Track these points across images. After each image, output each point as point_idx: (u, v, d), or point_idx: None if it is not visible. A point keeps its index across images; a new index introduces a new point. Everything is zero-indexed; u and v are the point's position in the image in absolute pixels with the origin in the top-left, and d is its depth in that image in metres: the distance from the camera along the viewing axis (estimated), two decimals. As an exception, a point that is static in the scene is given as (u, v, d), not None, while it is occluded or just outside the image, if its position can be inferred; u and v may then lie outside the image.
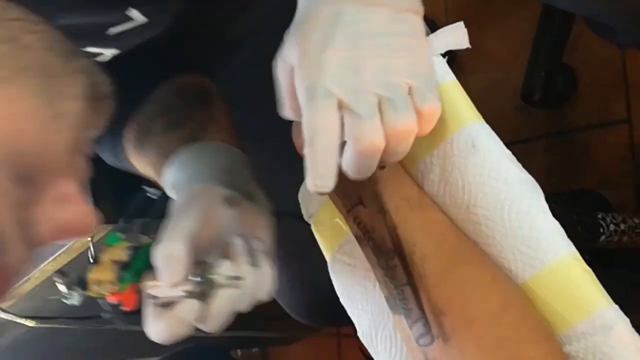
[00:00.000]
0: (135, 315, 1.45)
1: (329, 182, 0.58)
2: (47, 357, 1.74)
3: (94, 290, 0.68)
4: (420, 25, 0.63)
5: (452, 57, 1.67)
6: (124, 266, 0.68)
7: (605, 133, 1.58)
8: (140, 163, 0.87)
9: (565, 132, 1.64)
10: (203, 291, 0.64)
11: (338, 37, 0.59)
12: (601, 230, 1.12)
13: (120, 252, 0.69)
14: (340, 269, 0.73)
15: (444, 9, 1.79)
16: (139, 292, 0.68)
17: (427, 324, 0.58)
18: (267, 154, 0.98)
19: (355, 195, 0.64)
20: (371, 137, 0.57)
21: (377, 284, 0.66)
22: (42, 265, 1.09)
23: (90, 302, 1.38)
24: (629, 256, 1.49)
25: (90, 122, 0.54)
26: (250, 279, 0.65)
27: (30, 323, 1.28)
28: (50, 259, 1.07)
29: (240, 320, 1.92)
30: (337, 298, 0.75)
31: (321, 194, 0.59)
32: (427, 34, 0.66)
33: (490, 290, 0.58)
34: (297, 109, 0.61)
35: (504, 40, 1.69)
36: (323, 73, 0.58)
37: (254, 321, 1.78)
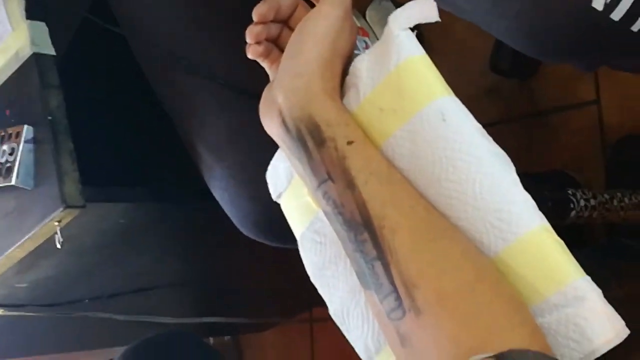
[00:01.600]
0: (106, 303, 1.44)
1: None
2: (16, 346, 1.72)
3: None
4: None
5: (421, 40, 1.66)
6: None
7: (574, 115, 1.59)
8: None
9: (534, 114, 1.65)
10: None
11: None
12: (571, 206, 1.13)
13: None
14: (311, 247, 0.73)
15: (413, -8, 1.78)
16: None
17: (398, 297, 0.57)
18: None
19: (324, 171, 0.64)
20: None
21: (348, 261, 0.66)
22: (8, 252, 1.08)
23: (60, 290, 1.37)
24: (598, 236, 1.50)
25: None
26: None
27: (-3, 311, 1.27)
28: (16, 245, 1.05)
29: (212, 306, 1.92)
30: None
31: None
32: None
33: (462, 263, 0.58)
34: None
35: (473, 24, 1.69)
36: None
37: (226, 307, 1.78)
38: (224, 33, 1.09)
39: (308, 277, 0.74)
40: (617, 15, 0.72)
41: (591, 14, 0.72)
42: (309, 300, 1.88)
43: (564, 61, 0.92)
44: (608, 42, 0.78)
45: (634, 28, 0.73)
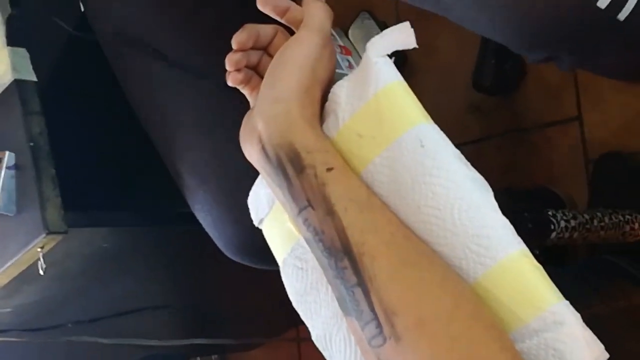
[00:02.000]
0: (91, 327, 1.44)
1: None
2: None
3: None
4: None
5: (404, 58, 1.68)
6: None
7: (557, 131, 1.60)
8: None
9: (517, 130, 1.66)
10: None
11: None
12: (552, 227, 1.13)
13: None
14: (292, 273, 0.73)
15: (395, 9, 1.79)
16: None
17: (379, 325, 0.57)
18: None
19: (304, 198, 0.64)
20: None
21: (330, 287, 0.66)
22: (-7, 277, 1.08)
23: (45, 314, 1.36)
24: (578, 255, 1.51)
25: None
26: None
27: (-19, 337, 1.26)
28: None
29: (198, 327, 1.91)
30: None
31: None
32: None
33: (441, 290, 0.58)
34: None
35: (456, 41, 1.70)
36: None
37: (212, 328, 1.78)
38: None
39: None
40: (602, 3, 0.72)
41: (576, 1, 0.73)
42: (296, 319, 1.88)
43: (548, 54, 0.91)
44: (594, 32, 0.78)
45: (620, 17, 0.74)
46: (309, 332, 0.73)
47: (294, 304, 0.74)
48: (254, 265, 1.10)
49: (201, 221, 1.10)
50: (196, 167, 1.09)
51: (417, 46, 0.67)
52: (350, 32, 1.75)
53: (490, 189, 0.62)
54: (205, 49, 1.10)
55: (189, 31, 1.12)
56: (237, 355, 2.33)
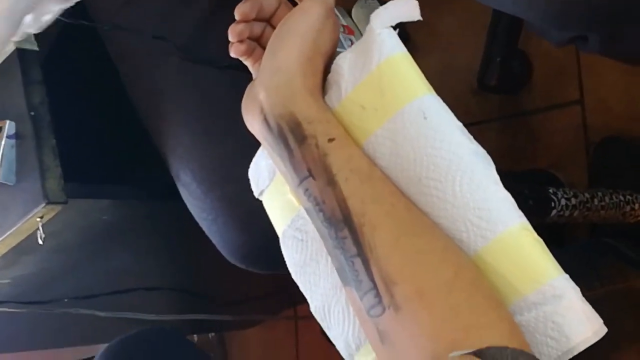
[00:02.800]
0: (87, 300, 1.44)
1: None
2: (-2, 343, 1.72)
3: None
4: None
5: (406, 38, 1.67)
6: None
7: (559, 114, 1.60)
8: None
9: (519, 114, 1.65)
10: None
11: None
12: (552, 205, 1.13)
13: None
14: (292, 244, 0.73)
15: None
16: None
17: (378, 294, 0.57)
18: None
19: (305, 168, 0.64)
20: None
21: (329, 259, 0.66)
22: (-8, 247, 1.07)
23: (43, 287, 1.36)
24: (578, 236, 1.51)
25: None
26: None
27: (-22, 307, 1.26)
28: (-2, 241, 1.05)
29: (195, 304, 1.91)
30: (273, 242, 0.75)
31: None
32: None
33: (441, 260, 0.58)
34: None
35: (458, 22, 1.70)
36: None
37: (210, 305, 1.78)
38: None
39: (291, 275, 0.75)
40: None
41: None
42: (294, 297, 1.89)
43: (576, 33, 0.90)
44: (634, 10, 0.77)
45: None
46: (305, 311, 0.73)
47: (293, 276, 0.74)
48: (259, 272, 1.10)
49: (205, 228, 1.09)
50: (203, 174, 1.08)
51: (421, 18, 0.67)
52: (353, 11, 1.74)
53: (492, 163, 0.62)
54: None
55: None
56: (234, 334, 2.33)
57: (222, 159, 1.06)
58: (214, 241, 1.09)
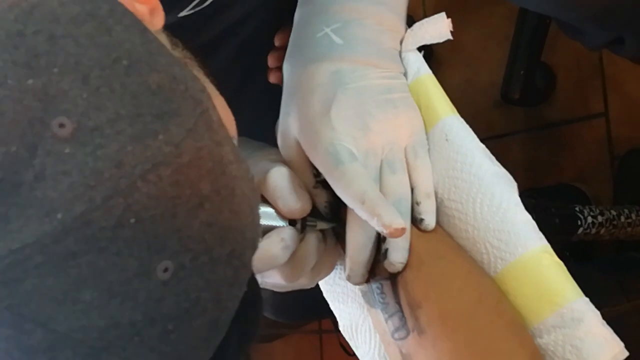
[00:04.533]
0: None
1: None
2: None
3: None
4: (404, 83, 0.65)
5: (430, 52, 1.67)
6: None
7: (583, 127, 1.59)
8: None
9: (543, 126, 1.65)
10: (300, 227, 0.64)
11: (339, 95, 0.60)
12: (579, 223, 1.13)
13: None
14: None
15: (422, 4, 1.79)
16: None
17: (402, 317, 0.58)
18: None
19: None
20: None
21: None
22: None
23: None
24: (606, 250, 1.50)
25: None
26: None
27: None
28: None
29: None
30: (309, 294, 0.75)
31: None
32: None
33: (465, 284, 0.59)
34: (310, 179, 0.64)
35: (481, 36, 1.70)
36: (337, 134, 0.59)
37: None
38: None
39: (316, 289, 0.75)
40: None
41: None
42: (318, 311, 1.88)
43: (615, 34, 0.89)
44: None
45: None
46: (330, 325, 0.74)
47: (324, 294, 0.74)
48: (287, 322, 1.10)
49: None
50: None
51: (451, 37, 0.67)
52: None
53: (514, 184, 0.62)
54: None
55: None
56: (259, 347, 2.33)
57: None
58: None
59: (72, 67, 0.37)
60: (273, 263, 0.61)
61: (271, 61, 0.74)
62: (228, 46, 0.97)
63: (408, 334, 0.58)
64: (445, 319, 0.57)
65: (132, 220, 0.37)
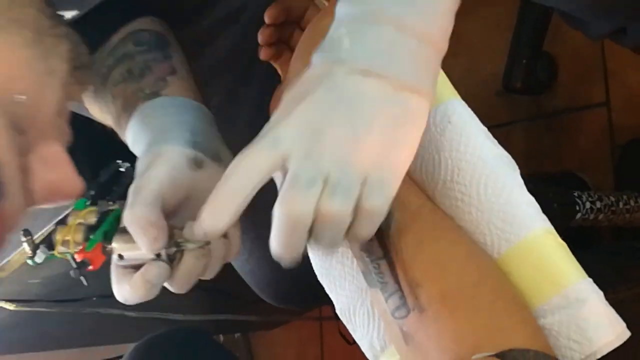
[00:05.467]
0: (116, 300, 1.45)
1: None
2: (28, 342, 1.74)
3: (60, 251, 0.69)
4: (420, 110, 0.57)
5: (432, 41, 1.66)
6: (91, 228, 0.68)
7: (584, 117, 1.59)
8: (97, 111, 0.84)
9: (544, 116, 1.65)
10: (171, 254, 0.64)
11: (319, 96, 0.56)
12: (577, 208, 1.13)
13: (87, 215, 0.69)
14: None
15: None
16: (105, 253, 0.69)
17: (402, 296, 0.58)
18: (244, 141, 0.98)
19: None
20: (295, 206, 0.55)
21: (355, 260, 0.67)
22: (21, 248, 1.09)
23: (72, 285, 1.38)
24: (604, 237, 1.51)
25: (72, 89, 0.55)
26: (217, 243, 0.66)
27: (10, 306, 1.28)
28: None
29: (222, 303, 1.91)
30: (308, 279, 0.75)
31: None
32: None
33: (465, 264, 0.59)
34: None
35: (484, 26, 1.70)
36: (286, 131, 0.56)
37: (236, 305, 1.79)
38: None
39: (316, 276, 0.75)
40: None
41: None
42: (319, 297, 1.89)
43: (620, 23, 0.88)
44: None
45: None
46: (330, 312, 0.73)
47: (319, 277, 0.74)
48: (291, 308, 1.10)
49: (238, 268, 1.09)
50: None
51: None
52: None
53: (516, 167, 0.63)
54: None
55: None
56: (259, 334, 2.34)
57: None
58: (246, 279, 1.08)
59: None
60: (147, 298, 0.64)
61: (261, 38, 0.74)
62: (230, 33, 0.98)
63: (408, 312, 0.58)
64: (445, 298, 0.57)
65: None
